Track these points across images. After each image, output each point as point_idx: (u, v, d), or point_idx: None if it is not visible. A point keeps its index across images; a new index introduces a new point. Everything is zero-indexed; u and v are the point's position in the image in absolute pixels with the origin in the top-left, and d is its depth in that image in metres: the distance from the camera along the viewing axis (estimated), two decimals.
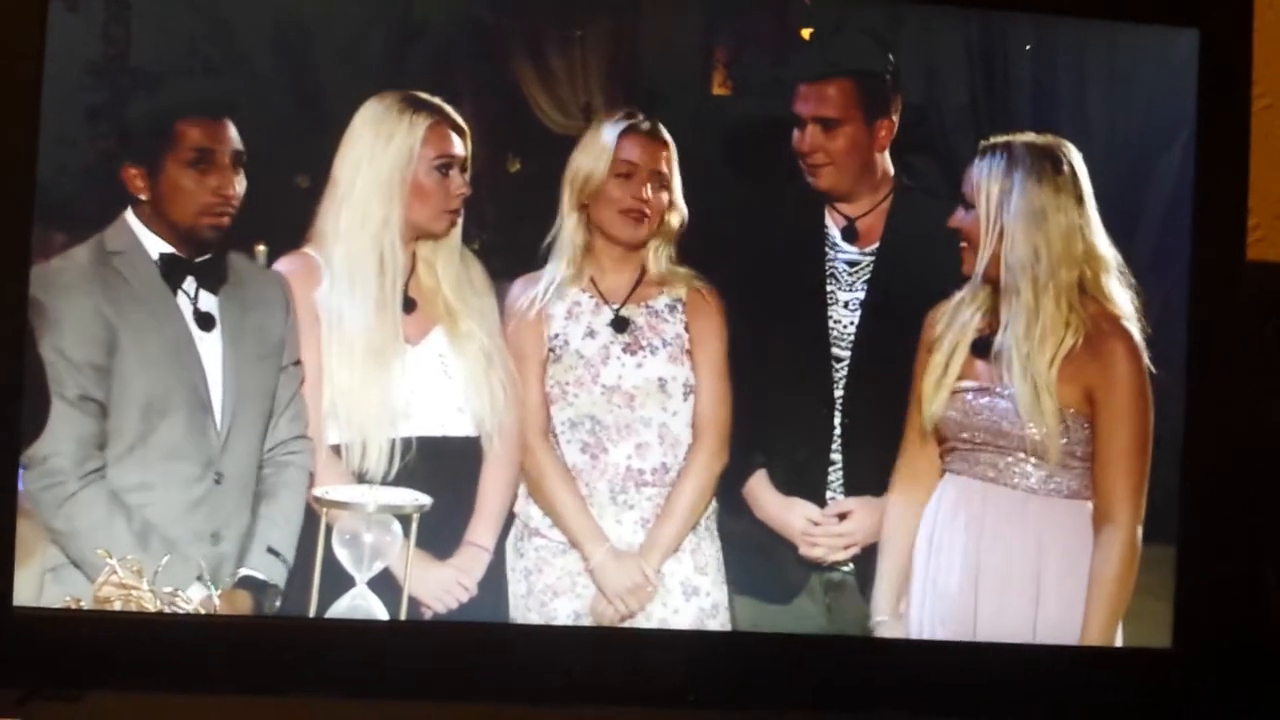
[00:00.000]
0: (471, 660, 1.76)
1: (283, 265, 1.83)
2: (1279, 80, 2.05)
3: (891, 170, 1.91)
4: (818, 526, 1.89)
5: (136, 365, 1.73)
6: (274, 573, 1.77)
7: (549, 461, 1.89)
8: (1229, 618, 1.78)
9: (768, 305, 1.91)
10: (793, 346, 1.91)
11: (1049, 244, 1.81)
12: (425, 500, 1.78)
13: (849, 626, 1.89)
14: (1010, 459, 1.83)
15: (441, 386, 1.85)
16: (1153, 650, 1.81)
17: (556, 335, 1.90)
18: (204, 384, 1.76)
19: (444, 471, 1.83)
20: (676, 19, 1.87)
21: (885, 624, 1.86)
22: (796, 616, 1.90)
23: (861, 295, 1.90)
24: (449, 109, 1.82)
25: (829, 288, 1.91)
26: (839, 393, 1.90)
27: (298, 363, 1.81)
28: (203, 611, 1.72)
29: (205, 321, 1.77)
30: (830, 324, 1.90)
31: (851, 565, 1.89)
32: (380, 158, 1.80)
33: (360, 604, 1.77)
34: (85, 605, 1.69)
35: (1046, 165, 1.82)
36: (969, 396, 1.84)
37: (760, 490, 1.91)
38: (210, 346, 1.77)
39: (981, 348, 1.83)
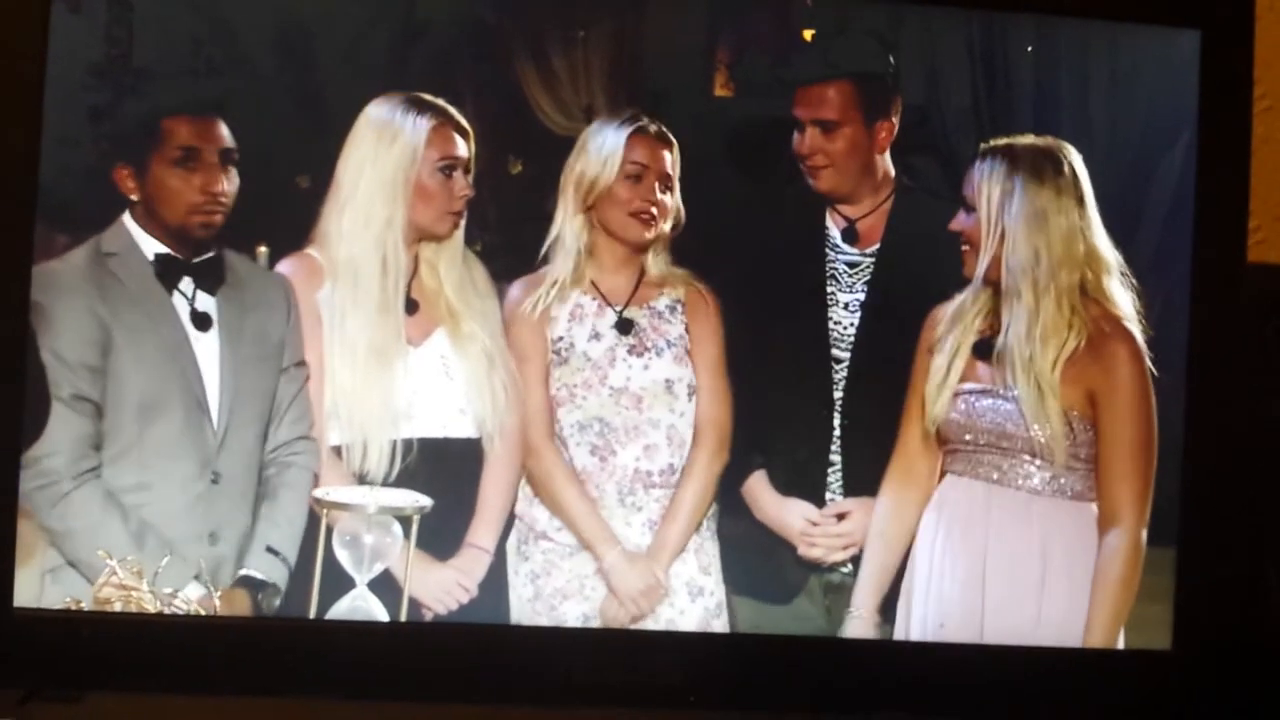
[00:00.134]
0: (472, 662, 1.76)
1: (285, 266, 1.82)
2: None
3: (892, 171, 1.91)
4: (816, 527, 1.89)
5: (131, 365, 1.72)
6: (274, 572, 1.77)
7: (557, 464, 1.89)
8: (1230, 620, 1.78)
9: (768, 306, 1.91)
10: (793, 347, 1.91)
11: (1050, 246, 1.81)
12: (426, 502, 1.78)
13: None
14: (1014, 460, 1.83)
15: (443, 388, 1.85)
16: (1153, 652, 1.80)
17: (560, 338, 1.90)
18: (200, 384, 1.75)
19: (445, 473, 1.82)
20: (679, 20, 1.86)
21: (860, 619, 1.86)
22: (796, 617, 1.90)
23: (862, 297, 1.90)
24: (453, 110, 1.81)
25: (829, 289, 1.91)
26: (839, 394, 1.89)
27: (300, 364, 1.81)
28: (201, 611, 1.72)
29: (202, 322, 1.76)
30: (830, 325, 1.90)
31: (850, 566, 1.89)
32: (384, 159, 1.80)
33: (360, 605, 1.77)
34: (85, 606, 1.69)
35: (1047, 167, 1.82)
36: (972, 399, 1.84)
37: (759, 491, 1.91)
38: (207, 347, 1.76)
39: (983, 350, 1.83)
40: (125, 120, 1.72)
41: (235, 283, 1.79)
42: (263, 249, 1.82)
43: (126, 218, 1.75)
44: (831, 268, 1.92)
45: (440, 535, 1.82)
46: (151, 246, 1.75)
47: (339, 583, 1.77)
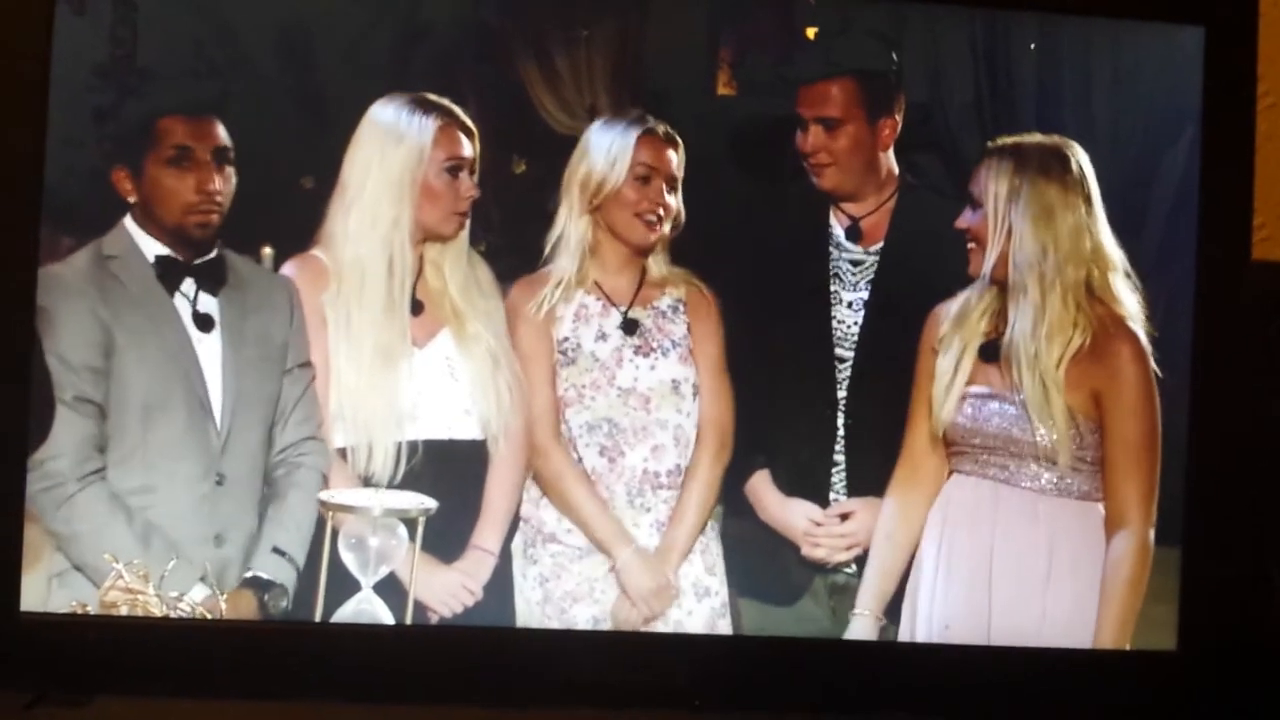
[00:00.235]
0: (476, 664, 1.75)
1: (290, 268, 1.82)
2: None
3: (896, 169, 1.91)
4: (820, 527, 1.89)
5: (134, 367, 1.72)
6: (280, 573, 1.76)
7: (567, 464, 1.89)
8: (1234, 620, 1.78)
9: (771, 305, 1.91)
10: (796, 346, 1.91)
11: (1057, 241, 1.81)
12: (431, 504, 1.77)
13: None
14: (1021, 462, 1.83)
15: (448, 389, 1.85)
16: (1158, 653, 1.80)
17: (566, 338, 1.89)
18: (202, 385, 1.75)
19: (450, 475, 1.82)
20: (681, 19, 1.86)
21: (865, 620, 1.86)
22: (800, 619, 1.90)
23: (865, 295, 1.90)
24: (458, 111, 1.81)
25: (832, 287, 1.91)
26: (842, 393, 1.89)
27: (305, 364, 1.80)
28: (206, 612, 1.72)
29: (204, 323, 1.76)
30: (834, 324, 1.90)
31: (854, 567, 1.89)
32: (390, 159, 1.80)
33: (366, 608, 1.77)
34: (91, 610, 1.69)
35: (1054, 164, 1.82)
36: (979, 402, 1.84)
37: (762, 491, 1.91)
38: (209, 348, 1.76)
39: (990, 352, 1.83)
40: (126, 121, 1.72)
41: (237, 284, 1.78)
42: (267, 250, 1.81)
43: (127, 220, 1.75)
44: (835, 266, 1.92)
45: (445, 538, 1.82)
46: (152, 248, 1.75)
47: (344, 586, 1.77)
